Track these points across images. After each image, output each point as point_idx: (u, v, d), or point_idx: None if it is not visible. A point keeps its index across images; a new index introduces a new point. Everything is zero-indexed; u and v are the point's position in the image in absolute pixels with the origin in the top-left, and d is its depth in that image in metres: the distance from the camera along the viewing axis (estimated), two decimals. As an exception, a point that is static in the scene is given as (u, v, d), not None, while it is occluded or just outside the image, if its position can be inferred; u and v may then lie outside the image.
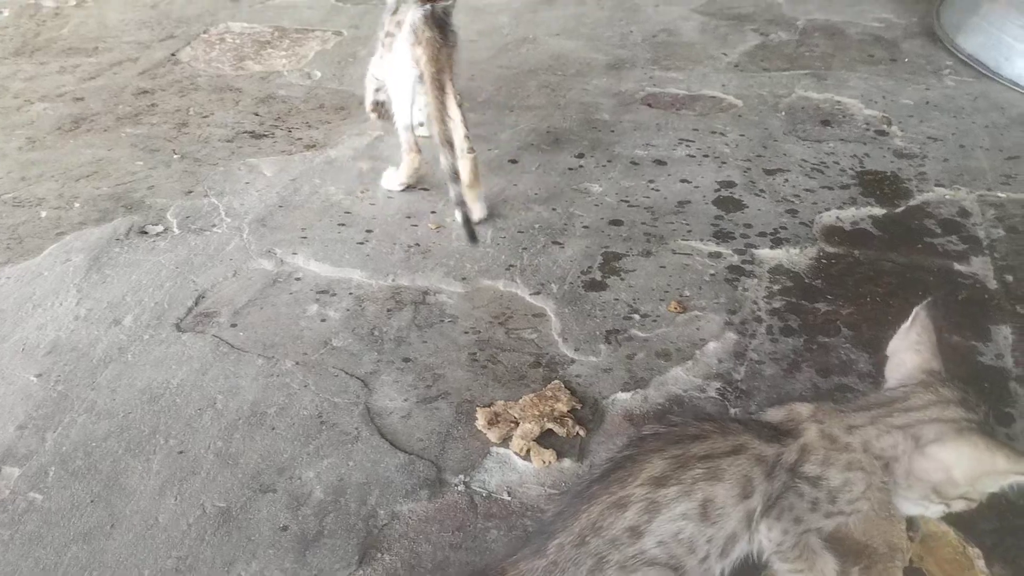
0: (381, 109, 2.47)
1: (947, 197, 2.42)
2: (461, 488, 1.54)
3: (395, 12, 2.33)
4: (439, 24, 2.18)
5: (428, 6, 2.17)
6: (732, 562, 1.21)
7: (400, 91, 2.30)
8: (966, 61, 3.24)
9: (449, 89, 2.20)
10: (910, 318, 1.28)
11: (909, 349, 1.24)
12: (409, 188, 2.43)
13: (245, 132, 2.72)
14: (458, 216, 2.16)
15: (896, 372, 1.26)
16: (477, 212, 2.27)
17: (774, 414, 1.24)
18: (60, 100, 2.91)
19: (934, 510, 1.21)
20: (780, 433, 1.19)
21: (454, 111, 2.23)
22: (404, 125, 2.33)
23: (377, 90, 2.64)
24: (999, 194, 2.43)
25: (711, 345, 1.89)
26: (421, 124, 2.46)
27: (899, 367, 1.25)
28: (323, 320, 1.94)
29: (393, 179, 2.43)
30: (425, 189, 2.43)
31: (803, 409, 1.21)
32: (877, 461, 1.15)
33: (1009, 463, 1.08)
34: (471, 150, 2.26)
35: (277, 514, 1.48)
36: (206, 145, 2.64)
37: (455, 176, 2.15)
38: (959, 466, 1.12)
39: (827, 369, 1.83)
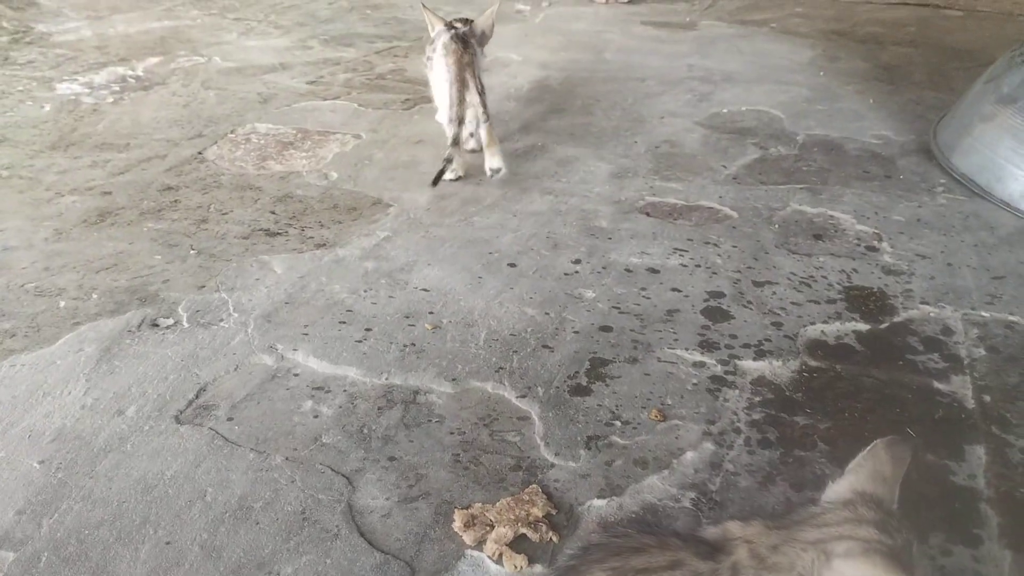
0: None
1: (931, 315, 2.49)
2: (433, 590, 1.59)
3: (432, 43, 3.35)
4: (462, 40, 3.21)
5: (452, 31, 3.24)
6: None
7: (441, 93, 3.32)
8: (960, 180, 3.34)
9: (469, 84, 3.18)
10: (868, 447, 1.33)
11: (851, 472, 1.30)
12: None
13: (260, 229, 2.86)
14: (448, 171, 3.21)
15: (831, 492, 1.31)
16: (496, 163, 3.27)
17: (711, 532, 1.29)
18: (89, 193, 3.08)
19: None
20: (715, 550, 1.25)
21: (472, 98, 3.20)
22: (447, 120, 3.23)
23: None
24: (983, 313, 2.49)
25: (688, 455, 1.94)
26: (471, 135, 3.34)
27: (835, 487, 1.31)
28: (316, 416, 2.03)
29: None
30: (425, 290, 2.54)
31: (734, 527, 1.26)
32: None
33: None
34: (487, 120, 3.25)
35: (253, 608, 1.54)
36: (222, 241, 2.79)
37: (455, 142, 3.19)
38: None
39: (801, 483, 1.87)
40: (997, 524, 1.77)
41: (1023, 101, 3.29)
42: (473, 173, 3.30)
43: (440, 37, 3.26)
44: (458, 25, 3.27)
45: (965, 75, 4.34)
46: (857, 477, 1.29)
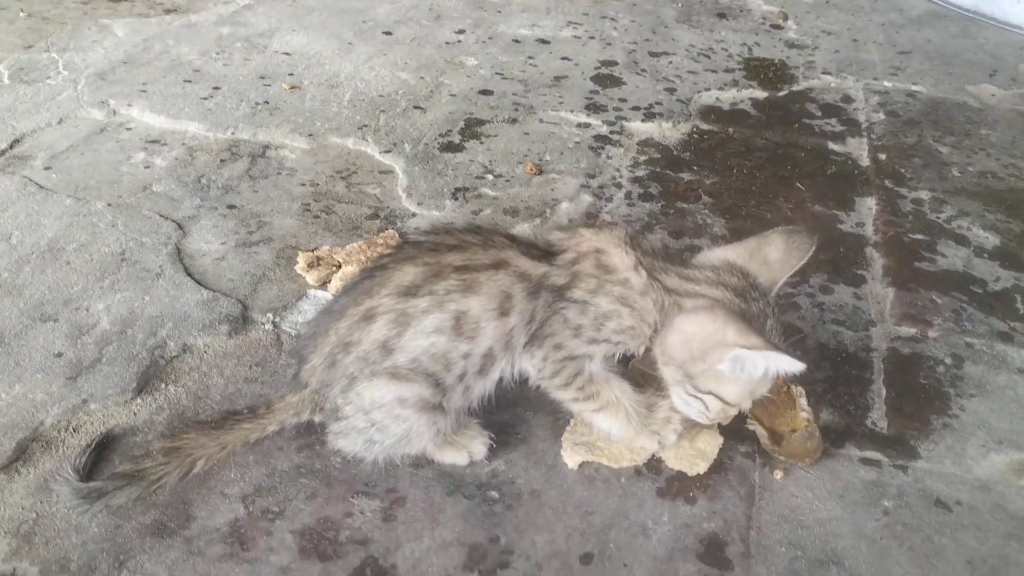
0: None
1: (832, 84, 2.35)
2: (268, 327, 1.42)
3: None
4: None
5: None
6: (493, 382, 1.12)
7: None
8: (873, -32, 3.17)
9: None
10: (764, 233, 1.16)
11: (733, 246, 1.15)
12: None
13: (103, -4, 2.53)
14: None
15: (703, 256, 1.17)
16: None
17: (555, 236, 1.14)
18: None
19: (695, 407, 1.12)
20: (551, 253, 1.11)
21: None
22: None
23: None
24: (885, 83, 2.36)
25: (563, 205, 1.79)
26: None
27: (709, 253, 1.16)
28: (147, 167, 1.79)
29: None
30: (286, 54, 2.27)
31: (588, 234, 1.12)
32: (648, 316, 1.08)
33: (737, 336, 0.99)
34: None
35: (54, 342, 1.34)
36: (58, 6, 2.45)
37: None
38: (697, 336, 1.04)
39: (680, 231, 1.74)
40: (882, 265, 1.68)
41: None
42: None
43: None
44: None
45: None
46: (736, 251, 1.14)
